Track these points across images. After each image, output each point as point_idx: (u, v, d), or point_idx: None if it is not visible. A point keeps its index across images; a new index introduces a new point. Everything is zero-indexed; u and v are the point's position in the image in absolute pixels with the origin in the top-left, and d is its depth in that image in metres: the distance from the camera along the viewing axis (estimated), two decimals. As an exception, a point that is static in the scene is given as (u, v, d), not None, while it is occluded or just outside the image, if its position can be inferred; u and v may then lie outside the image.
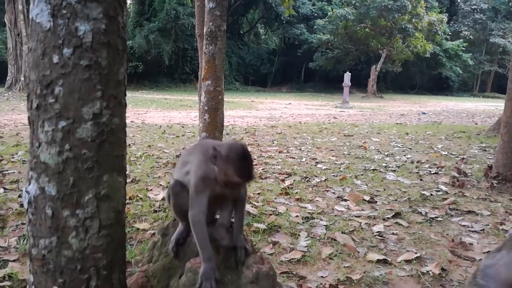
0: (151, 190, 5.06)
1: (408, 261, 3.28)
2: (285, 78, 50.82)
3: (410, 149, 9.16)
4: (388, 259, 3.30)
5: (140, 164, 6.57)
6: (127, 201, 4.54)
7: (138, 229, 3.76)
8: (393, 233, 3.93)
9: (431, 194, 5.29)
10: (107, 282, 1.75)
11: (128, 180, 5.45)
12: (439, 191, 5.49)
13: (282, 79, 50.79)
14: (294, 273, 3.07)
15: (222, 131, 4.43)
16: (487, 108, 28.02)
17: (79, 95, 1.63)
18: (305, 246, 3.57)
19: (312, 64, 46.76)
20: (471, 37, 54.12)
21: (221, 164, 1.74)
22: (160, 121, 13.54)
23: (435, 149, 9.19)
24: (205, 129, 4.30)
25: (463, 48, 51.24)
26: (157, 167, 6.43)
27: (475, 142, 10.23)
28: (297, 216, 4.39)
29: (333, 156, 8.10)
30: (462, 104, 32.85)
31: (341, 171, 6.71)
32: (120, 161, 1.80)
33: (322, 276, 3.02)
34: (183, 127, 12.08)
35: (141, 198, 4.68)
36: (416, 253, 3.42)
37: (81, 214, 1.67)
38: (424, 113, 21.50)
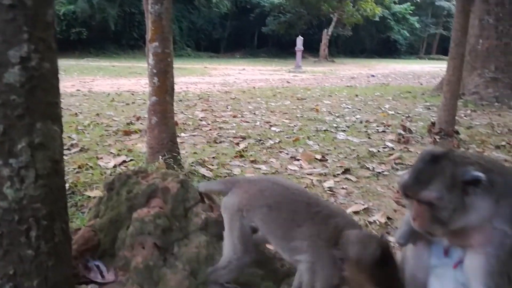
0: (101, 158, 4.94)
1: (356, 212, 3.48)
2: (238, 43, 50.01)
3: (360, 109, 9.47)
4: (338, 212, 3.47)
5: (88, 133, 6.36)
6: (76, 170, 4.43)
7: (89, 197, 3.68)
8: (342, 188, 4.12)
9: (378, 151, 5.56)
10: (48, 232, 1.70)
11: (76, 149, 5.29)
12: (385, 147, 5.78)
13: (235, 44, 49.94)
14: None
15: (173, 95, 4.35)
16: (432, 69, 29.22)
17: (4, 37, 1.52)
18: (260, 204, 3.67)
19: (265, 28, 46.25)
20: (418, 0, 55.49)
21: (350, 267, 1.34)
22: (108, 89, 13.02)
23: (383, 109, 9.56)
24: (155, 93, 4.20)
25: (410, 12, 52.55)
26: (107, 135, 6.26)
27: (420, 102, 10.73)
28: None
29: (286, 119, 8.22)
30: (409, 66, 34.06)
31: (294, 133, 6.84)
32: (53, 108, 1.69)
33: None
34: (133, 94, 11.71)
35: (91, 167, 4.56)
36: (363, 204, 3.63)
37: (15, 163, 1.58)
38: (373, 76, 22.12)
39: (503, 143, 6.13)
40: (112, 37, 39.66)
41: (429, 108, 9.55)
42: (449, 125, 6.10)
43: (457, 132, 6.24)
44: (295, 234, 1.46)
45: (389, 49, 55.07)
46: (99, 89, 12.91)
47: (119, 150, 5.30)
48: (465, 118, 8.25)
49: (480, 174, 1.29)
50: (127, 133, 6.42)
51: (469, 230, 1.35)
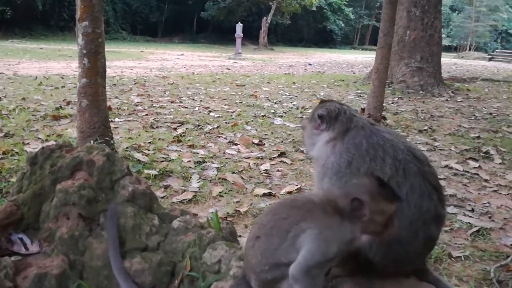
0: (28, 144, 4.65)
1: (290, 192, 3.61)
2: (177, 28, 48.81)
3: (296, 96, 9.72)
4: (273, 192, 3.59)
5: (14, 118, 5.93)
6: (0, 156, 4.14)
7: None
8: (278, 170, 4.25)
9: (313, 135, 5.76)
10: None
11: (0, 135, 4.92)
12: (320, 132, 6.00)
13: (173, 29, 48.68)
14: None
15: (105, 77, 4.19)
16: (364, 59, 30.58)
17: None
18: (197, 187, 3.68)
19: (204, 13, 45.54)
20: (352, -8, 57.54)
21: (375, 209, 1.31)
22: (36, 72, 12.17)
23: (318, 96, 9.89)
24: (85, 75, 4.02)
25: (345, 3, 54.41)
26: (34, 120, 5.88)
27: (352, 89, 11.23)
28: (189, 161, 4.46)
29: (225, 104, 8.23)
30: (344, 56, 35.39)
31: (232, 118, 6.88)
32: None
33: (212, 212, 3.18)
34: (63, 78, 11.05)
35: (17, 153, 4.28)
36: (297, 185, 3.77)
37: None
38: (310, 64, 22.73)
39: (426, 127, 6.63)
40: (40, 18, 36.94)
41: (360, 96, 10.03)
42: (377, 110, 6.47)
43: (384, 118, 6.64)
44: (295, 230, 1.38)
45: (326, 39, 56.75)
46: (25, 72, 12.03)
47: (48, 136, 5.02)
48: (392, 104, 8.78)
49: (322, 111, 1.74)
50: (56, 117, 6.08)
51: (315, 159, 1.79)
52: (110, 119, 5.94)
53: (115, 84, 10.12)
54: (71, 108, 6.78)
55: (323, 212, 1.37)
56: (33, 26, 36.73)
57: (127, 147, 4.62)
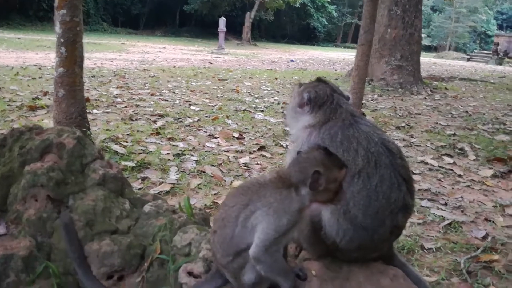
0: (2, 133, 4.53)
1: (268, 185, 3.62)
2: (159, 21, 48.18)
3: (278, 92, 9.75)
4: (251, 185, 3.60)
5: (-13, 108, 5.78)
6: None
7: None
8: (257, 163, 4.26)
9: (293, 130, 5.80)
10: None
11: (-28, 125, 4.79)
12: (300, 127, 6.04)
13: (156, 22, 48.03)
14: (163, 203, 3.16)
15: (82, 66, 4.11)
16: (347, 57, 30.85)
17: None
18: (175, 179, 3.67)
19: (187, 7, 45.05)
20: (335, -11, 57.84)
21: (329, 177, 1.35)
22: (13, 62, 11.85)
23: (300, 91, 9.93)
24: (62, 64, 3.94)
25: (329, 0, 54.66)
26: (10, 111, 5.74)
27: (334, 86, 11.31)
28: (168, 153, 4.43)
29: (206, 98, 8.19)
30: (326, 53, 35.63)
31: (213, 112, 6.86)
32: None
33: (184, 197, 3.17)
34: (40, 68, 10.80)
35: (-10, 143, 4.17)
36: (276, 178, 3.78)
37: None
38: (292, 61, 22.80)
39: (403, 124, 6.75)
40: (18, 7, 35.92)
41: (342, 92, 10.11)
42: (357, 107, 6.52)
43: (364, 114, 6.71)
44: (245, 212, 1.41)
45: (309, 36, 56.95)
46: (1, 62, 11.70)
47: (23, 126, 4.90)
48: (371, 101, 8.90)
49: (311, 94, 1.76)
50: (33, 108, 5.95)
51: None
52: (88, 111, 5.85)
53: (94, 76, 9.95)
54: (48, 98, 6.64)
55: (269, 189, 1.41)
56: (11, 15, 35.70)
57: (104, 139, 4.56)
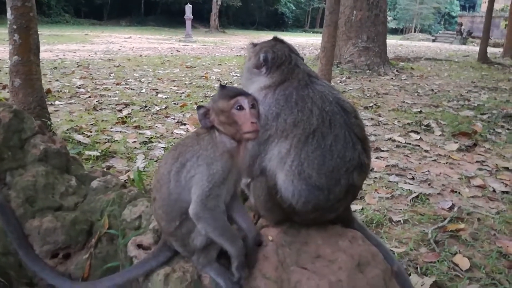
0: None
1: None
2: (124, 10, 46.81)
3: (248, 77, 9.66)
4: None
5: None
6: None
7: None
8: (226, 148, 4.21)
9: (263, 113, 5.76)
10: None
11: None
12: (269, 110, 6.01)
13: (120, 11, 46.65)
14: (130, 191, 3.07)
15: (38, 54, 3.92)
16: (315, 41, 30.90)
17: None
18: (142, 167, 3.57)
19: (152, -5, 43.97)
20: (302, -26, 57.70)
21: (215, 109, 1.32)
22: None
23: (269, 76, 9.88)
24: (17, 52, 3.74)
25: (295, -15, 54.55)
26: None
27: (303, 70, 11.32)
28: (134, 142, 4.32)
29: (174, 86, 8.04)
30: (295, 39, 35.54)
31: (182, 99, 6.74)
32: None
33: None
34: (-2, 62, 10.31)
35: None
36: (245, 161, 3.74)
37: None
38: (262, 46, 22.67)
39: (371, 104, 6.83)
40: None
41: (311, 75, 10.13)
42: (326, 88, 6.55)
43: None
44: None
45: (277, 22, 56.77)
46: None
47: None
48: (340, 83, 8.96)
49: (268, 55, 1.68)
50: (-11, 102, 5.66)
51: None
52: (50, 103, 5.63)
53: (56, 67, 9.57)
54: (7, 92, 6.33)
55: (194, 140, 1.38)
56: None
57: (67, 129, 4.39)
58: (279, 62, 1.69)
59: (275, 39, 1.85)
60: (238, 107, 1.32)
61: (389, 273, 1.50)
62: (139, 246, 1.52)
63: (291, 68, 1.69)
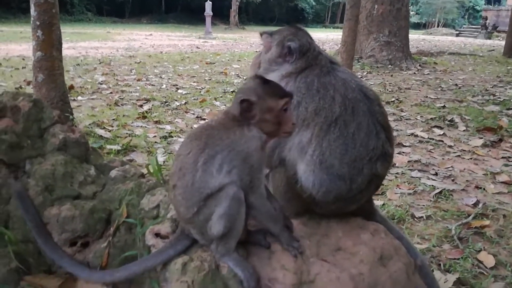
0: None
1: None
2: (145, 8, 47.34)
3: (267, 72, 9.62)
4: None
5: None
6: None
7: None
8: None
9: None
10: None
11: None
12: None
13: (141, 9, 47.20)
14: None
15: (61, 50, 3.99)
16: (336, 37, 30.56)
17: None
18: (162, 161, 3.59)
19: (172, -7, 44.30)
20: (322, -31, 57.10)
21: (262, 106, 1.29)
22: (-6, 54, 11.59)
23: (289, 71, 9.83)
24: (40, 48, 3.82)
25: (315, -20, 54.02)
26: (-9, 101, 5.60)
27: (323, 65, 11.20)
28: (154, 136, 4.35)
29: (194, 82, 8.08)
30: (315, 34, 35.09)
31: (201, 95, 6.76)
32: None
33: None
34: (24, 59, 10.54)
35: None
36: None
37: None
38: (282, 42, 22.56)
39: (393, 99, 6.70)
40: (0, 0, 35.03)
41: (331, 71, 10.02)
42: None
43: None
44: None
45: (297, 18, 56.36)
46: (-18, 54, 11.43)
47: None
48: (361, 78, 8.81)
49: (296, 44, 1.64)
50: (15, 98, 5.81)
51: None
52: (72, 98, 5.74)
53: (79, 64, 9.75)
54: (32, 88, 6.48)
55: (223, 130, 1.34)
56: (-7, 8, 34.86)
57: (89, 124, 4.47)
58: (305, 50, 1.66)
59: (293, 26, 1.80)
60: (285, 108, 1.31)
61: (412, 267, 1.46)
62: (157, 235, 1.52)
63: (315, 55, 1.66)
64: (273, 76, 1.64)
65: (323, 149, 1.45)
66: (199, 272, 1.32)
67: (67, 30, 20.53)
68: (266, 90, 1.32)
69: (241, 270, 1.34)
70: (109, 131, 4.32)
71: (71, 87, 6.40)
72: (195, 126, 4.87)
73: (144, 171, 3.30)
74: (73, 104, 4.88)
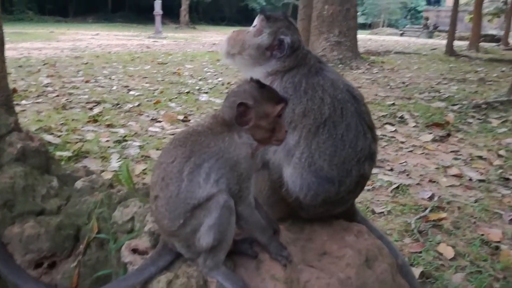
0: None
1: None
2: (90, 7, 45.47)
3: (221, 73, 9.56)
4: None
5: None
6: None
7: None
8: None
9: (239, 109, 5.70)
10: None
11: None
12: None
13: (86, 8, 45.30)
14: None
15: (3, 51, 3.67)
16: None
17: None
18: (117, 167, 3.44)
19: (119, -9, 42.92)
20: (271, -30, 57.61)
21: (259, 111, 1.22)
22: None
23: (243, 71, 9.81)
24: (-22, 48, 3.51)
25: (264, -20, 54.44)
26: None
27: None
28: (107, 141, 4.17)
29: (146, 83, 7.85)
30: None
31: (155, 96, 6.58)
32: None
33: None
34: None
35: None
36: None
37: None
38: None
39: (346, 97, 6.86)
40: None
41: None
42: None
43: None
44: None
45: (248, 18, 56.37)
46: None
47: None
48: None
49: (288, 39, 1.54)
50: (-51, 103, 5.34)
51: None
52: (16, 102, 5.35)
53: (21, 66, 9.17)
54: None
55: (211, 136, 1.27)
56: None
57: (36, 130, 4.19)
58: (295, 47, 1.58)
59: (288, 19, 1.68)
60: (280, 115, 1.25)
61: (395, 267, 1.47)
62: (135, 250, 1.40)
63: (304, 54, 1.59)
64: (257, 71, 1.56)
65: (312, 151, 1.42)
66: (186, 290, 1.23)
67: (6, 30, 19.18)
68: (262, 94, 1.25)
69: (231, 285, 1.26)
70: (58, 136, 4.08)
71: (14, 90, 5.98)
72: (150, 128, 4.72)
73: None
74: (17, 109, 4.54)
